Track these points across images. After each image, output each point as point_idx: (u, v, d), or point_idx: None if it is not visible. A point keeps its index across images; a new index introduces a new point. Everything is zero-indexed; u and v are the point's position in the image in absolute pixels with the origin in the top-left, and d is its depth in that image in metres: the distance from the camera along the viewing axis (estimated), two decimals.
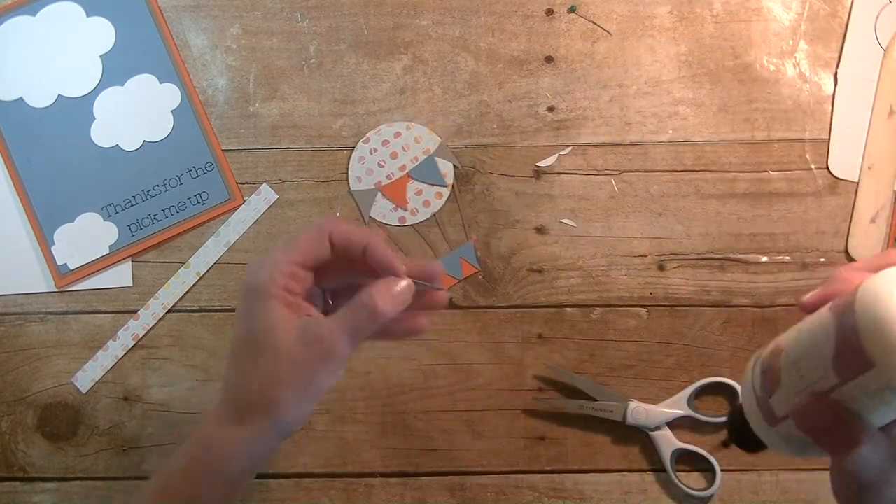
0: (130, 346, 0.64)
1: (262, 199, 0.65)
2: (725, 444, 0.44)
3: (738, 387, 0.61)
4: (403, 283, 0.45)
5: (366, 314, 0.44)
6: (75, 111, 0.66)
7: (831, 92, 0.64)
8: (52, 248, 0.64)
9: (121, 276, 0.64)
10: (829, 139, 0.64)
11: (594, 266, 0.64)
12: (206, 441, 0.45)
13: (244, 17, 0.66)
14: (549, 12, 0.65)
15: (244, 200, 0.65)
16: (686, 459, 0.62)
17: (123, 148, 0.65)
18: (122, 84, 0.66)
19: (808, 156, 0.64)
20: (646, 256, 0.64)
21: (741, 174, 0.64)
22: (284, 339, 0.44)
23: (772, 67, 0.65)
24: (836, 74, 0.64)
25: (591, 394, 0.62)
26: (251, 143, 0.65)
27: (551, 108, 0.65)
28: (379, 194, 0.65)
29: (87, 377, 0.64)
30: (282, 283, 0.44)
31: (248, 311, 0.45)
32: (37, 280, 0.64)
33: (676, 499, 0.62)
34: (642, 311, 0.63)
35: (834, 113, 0.64)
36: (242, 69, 0.66)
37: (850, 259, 0.63)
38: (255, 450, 0.45)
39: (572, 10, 0.66)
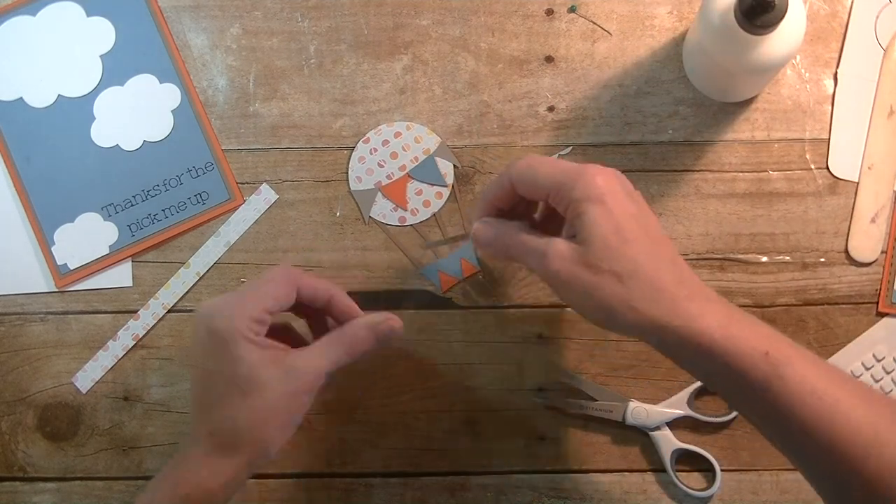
0: (130, 346, 0.64)
1: (262, 199, 0.65)
2: None
3: None
4: (383, 318, 0.52)
5: (347, 346, 0.51)
6: (75, 111, 0.66)
7: (831, 92, 0.64)
8: (52, 248, 0.64)
9: (121, 276, 0.65)
10: (829, 139, 0.64)
11: None
12: (191, 480, 0.48)
13: (244, 17, 0.66)
14: (549, 12, 0.65)
15: (244, 200, 0.65)
16: (686, 459, 0.62)
17: (123, 148, 0.65)
18: (122, 84, 0.66)
19: (808, 156, 0.64)
20: None
21: (741, 174, 0.64)
22: (269, 378, 0.47)
23: None
24: (836, 74, 0.64)
25: (591, 394, 0.62)
26: (251, 143, 0.65)
27: (551, 108, 0.65)
28: (379, 194, 0.65)
29: (87, 377, 0.64)
30: (254, 328, 0.48)
31: (222, 353, 0.47)
32: (37, 280, 0.64)
33: (676, 499, 0.62)
34: None
35: (834, 113, 0.64)
36: (242, 69, 0.66)
37: (851, 259, 0.63)
38: (239, 483, 0.49)
39: (572, 10, 0.66)
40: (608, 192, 0.47)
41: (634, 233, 0.47)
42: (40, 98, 0.66)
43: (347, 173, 0.65)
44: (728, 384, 0.46)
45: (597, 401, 0.62)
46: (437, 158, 0.65)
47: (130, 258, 0.65)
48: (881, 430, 0.43)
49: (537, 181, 0.49)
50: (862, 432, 0.43)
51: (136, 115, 0.66)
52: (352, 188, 0.65)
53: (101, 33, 0.66)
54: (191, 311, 0.64)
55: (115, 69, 0.66)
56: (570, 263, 0.47)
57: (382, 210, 0.65)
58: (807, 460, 0.46)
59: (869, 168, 0.63)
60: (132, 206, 0.65)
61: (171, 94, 0.66)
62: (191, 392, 0.51)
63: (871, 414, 0.44)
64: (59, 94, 0.66)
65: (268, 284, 0.50)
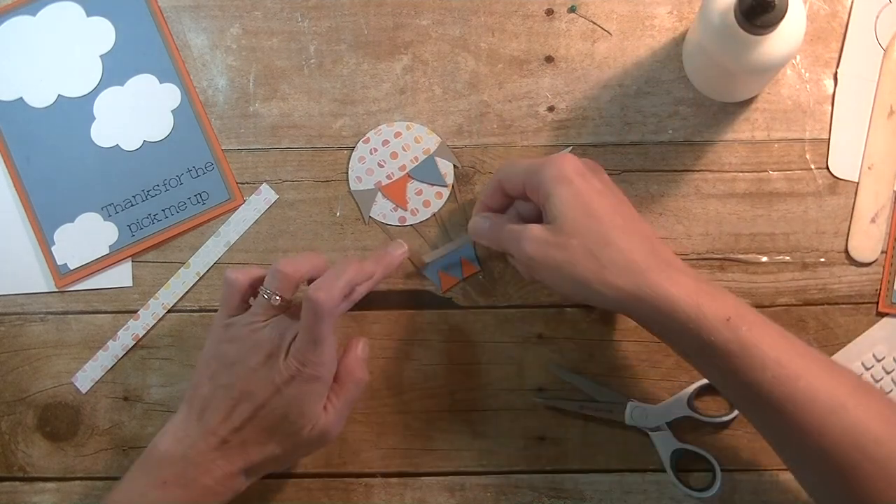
0: (130, 346, 0.64)
1: (262, 199, 0.65)
2: None
3: None
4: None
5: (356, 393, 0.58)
6: (75, 111, 0.66)
7: (831, 92, 0.64)
8: (52, 248, 0.64)
9: (121, 276, 0.65)
10: (829, 139, 0.64)
11: None
12: (214, 488, 0.53)
13: (244, 17, 0.66)
14: (549, 12, 0.65)
15: (244, 200, 0.65)
16: (686, 459, 0.62)
17: (123, 148, 0.65)
18: (122, 84, 0.66)
19: (808, 156, 0.64)
20: None
21: (741, 174, 0.64)
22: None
23: None
24: (836, 74, 0.64)
25: (591, 394, 0.62)
26: (251, 143, 0.65)
27: (551, 108, 0.65)
28: (379, 194, 0.65)
29: (87, 377, 0.64)
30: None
31: (306, 395, 0.53)
32: (37, 280, 0.64)
33: (676, 499, 0.62)
34: None
35: (834, 113, 0.64)
36: (242, 69, 0.66)
37: (851, 259, 0.63)
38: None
39: (572, 10, 0.66)
40: (573, 173, 0.49)
41: (603, 207, 0.49)
42: (40, 98, 0.66)
43: (347, 173, 0.65)
44: (695, 352, 0.48)
45: (597, 401, 0.62)
46: (437, 158, 0.65)
47: (130, 258, 0.65)
48: (841, 398, 0.44)
49: (515, 174, 0.52)
50: (821, 398, 0.44)
51: (136, 115, 0.66)
52: (352, 188, 0.65)
53: (101, 33, 0.66)
54: (191, 311, 0.64)
55: (115, 69, 0.66)
56: (542, 245, 0.49)
57: (382, 210, 0.65)
58: (771, 429, 0.47)
59: (869, 168, 0.63)
60: (132, 206, 0.65)
61: (171, 94, 0.66)
62: (224, 407, 0.53)
63: (832, 382, 0.45)
64: (59, 94, 0.66)
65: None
